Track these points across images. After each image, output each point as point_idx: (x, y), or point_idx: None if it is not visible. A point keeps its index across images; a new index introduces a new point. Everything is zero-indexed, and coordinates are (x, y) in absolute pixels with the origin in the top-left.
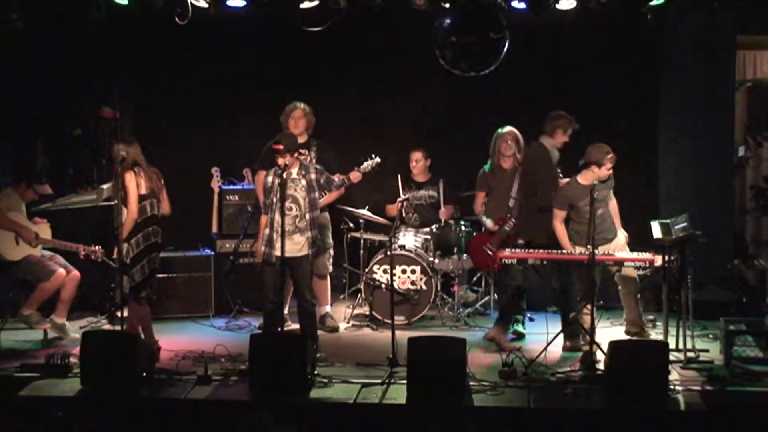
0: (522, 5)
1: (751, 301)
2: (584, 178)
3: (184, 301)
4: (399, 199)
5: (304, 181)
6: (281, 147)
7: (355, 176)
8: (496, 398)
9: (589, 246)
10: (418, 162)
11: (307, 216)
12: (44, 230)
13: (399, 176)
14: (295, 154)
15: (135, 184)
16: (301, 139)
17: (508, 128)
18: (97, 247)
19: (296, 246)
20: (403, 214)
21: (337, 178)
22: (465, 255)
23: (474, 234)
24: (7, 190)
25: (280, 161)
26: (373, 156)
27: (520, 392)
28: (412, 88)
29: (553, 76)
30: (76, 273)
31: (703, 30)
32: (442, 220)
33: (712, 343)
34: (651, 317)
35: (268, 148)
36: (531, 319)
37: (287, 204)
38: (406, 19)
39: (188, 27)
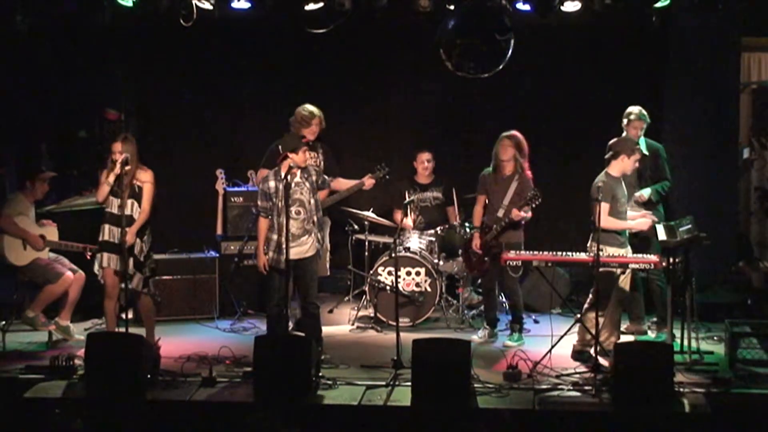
0: (527, 7)
1: (756, 303)
2: (613, 169)
3: (188, 303)
4: (405, 201)
5: (308, 184)
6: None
7: (369, 183)
8: (501, 400)
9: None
10: (428, 162)
11: (314, 218)
12: (51, 232)
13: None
14: (304, 150)
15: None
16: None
17: (511, 132)
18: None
19: (304, 248)
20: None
21: (325, 176)
22: None
23: None
24: (15, 195)
25: (300, 159)
26: (384, 166)
27: (525, 394)
28: (417, 90)
29: (558, 77)
30: (81, 274)
31: (708, 32)
32: (455, 223)
33: (716, 346)
34: (655, 319)
35: (275, 147)
36: (536, 321)
37: (295, 208)
38: (410, 21)
39: (193, 29)
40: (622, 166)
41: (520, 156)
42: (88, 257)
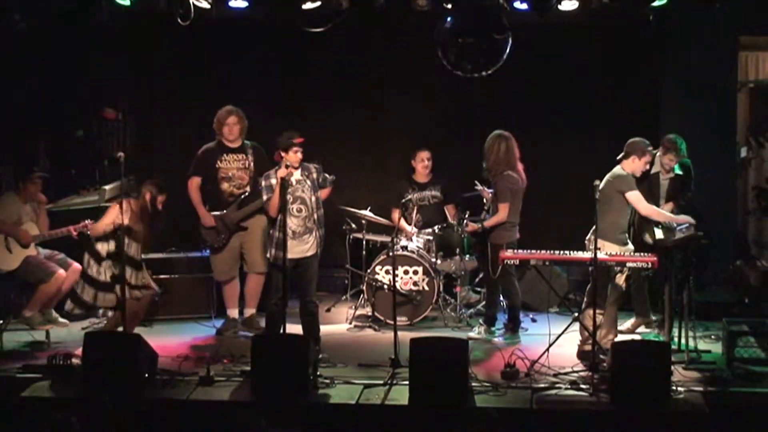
0: (524, 6)
1: (754, 302)
2: (625, 167)
3: (186, 302)
4: (403, 200)
5: (309, 182)
6: (303, 140)
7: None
8: (498, 399)
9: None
10: (428, 161)
11: (315, 215)
12: (30, 227)
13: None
14: (296, 150)
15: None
16: (236, 144)
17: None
18: (86, 221)
19: (305, 246)
20: (409, 215)
21: (328, 175)
22: (467, 256)
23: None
24: (7, 195)
25: (294, 158)
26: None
27: (523, 393)
28: (414, 89)
29: (555, 76)
30: (77, 266)
31: (706, 31)
32: (454, 223)
33: (714, 344)
34: (654, 318)
35: (203, 153)
36: (533, 320)
37: (297, 206)
38: (408, 20)
39: (190, 28)
40: (632, 166)
41: (487, 158)
42: (76, 236)
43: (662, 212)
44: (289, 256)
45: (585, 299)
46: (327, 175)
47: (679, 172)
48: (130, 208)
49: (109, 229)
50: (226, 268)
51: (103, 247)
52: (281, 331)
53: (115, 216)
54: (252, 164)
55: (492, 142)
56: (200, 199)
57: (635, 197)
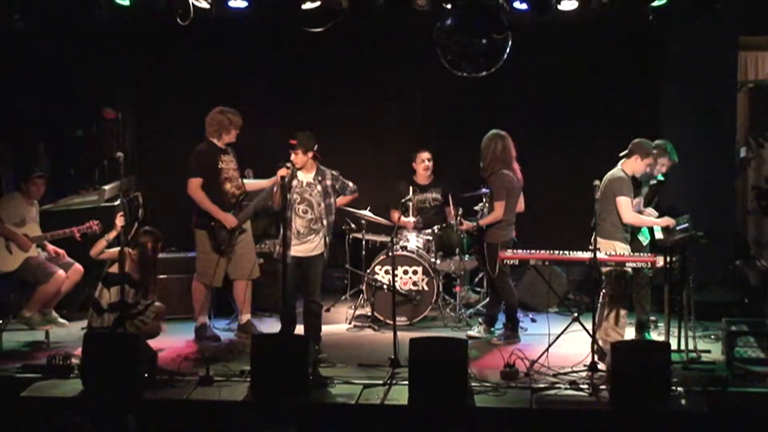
0: (524, 6)
1: (753, 302)
2: (627, 167)
3: (185, 303)
4: (402, 200)
5: (319, 187)
6: (295, 142)
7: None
8: (498, 399)
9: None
10: (428, 162)
11: (324, 221)
12: (32, 228)
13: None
14: (310, 154)
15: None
16: (224, 146)
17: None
18: (91, 222)
19: (309, 245)
20: (408, 216)
21: (351, 183)
22: (467, 256)
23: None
24: (11, 195)
25: (294, 158)
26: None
27: (522, 393)
28: (414, 89)
29: (555, 77)
30: (77, 267)
31: (705, 31)
32: (454, 224)
33: (713, 344)
34: (653, 318)
35: (205, 154)
36: (533, 320)
37: (303, 207)
38: (407, 20)
39: (190, 28)
40: (634, 166)
41: (483, 157)
42: (79, 238)
43: (644, 219)
44: (292, 254)
45: (600, 300)
46: (349, 183)
47: (661, 178)
48: (129, 258)
49: (103, 258)
50: (219, 271)
51: (105, 297)
52: (295, 329)
53: (114, 255)
54: (237, 165)
55: (488, 141)
56: (212, 202)
57: (623, 203)
